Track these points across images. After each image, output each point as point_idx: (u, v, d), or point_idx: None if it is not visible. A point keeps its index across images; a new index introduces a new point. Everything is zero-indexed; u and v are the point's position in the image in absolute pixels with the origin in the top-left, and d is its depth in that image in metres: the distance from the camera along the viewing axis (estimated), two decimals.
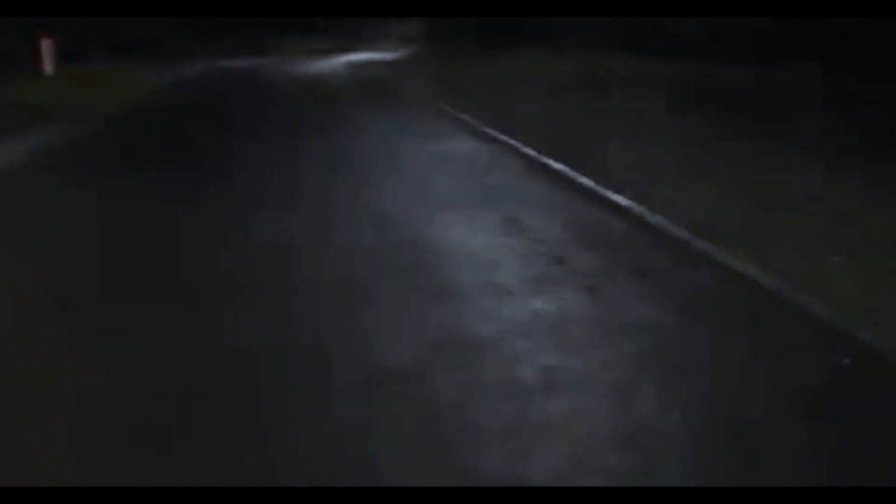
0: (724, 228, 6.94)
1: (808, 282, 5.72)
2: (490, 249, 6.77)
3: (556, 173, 9.72)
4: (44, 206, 8.84)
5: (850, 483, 3.49)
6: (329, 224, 7.81)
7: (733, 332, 5.14)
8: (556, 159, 10.14)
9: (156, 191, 9.34)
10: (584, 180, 9.00)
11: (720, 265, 6.27)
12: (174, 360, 4.80)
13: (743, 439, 3.86)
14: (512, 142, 11.89)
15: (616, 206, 8.03)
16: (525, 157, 10.93)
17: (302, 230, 7.56)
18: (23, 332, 5.31)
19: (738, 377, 4.51)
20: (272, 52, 42.11)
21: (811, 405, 4.19)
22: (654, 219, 7.44)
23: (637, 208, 7.80)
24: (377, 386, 4.43)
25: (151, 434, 3.96)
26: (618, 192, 8.33)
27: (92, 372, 4.65)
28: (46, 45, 25.16)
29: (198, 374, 4.64)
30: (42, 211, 8.61)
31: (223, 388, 4.46)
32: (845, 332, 4.99)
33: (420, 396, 4.32)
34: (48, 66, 24.79)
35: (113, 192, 9.42)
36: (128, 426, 4.04)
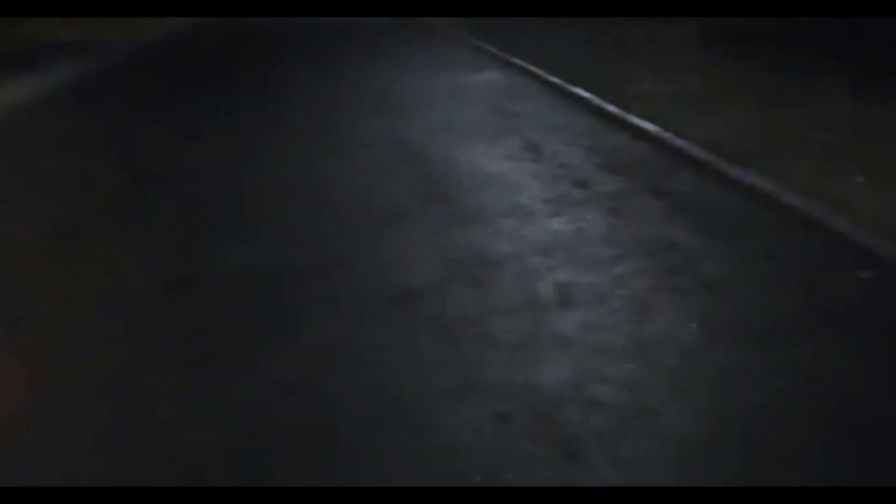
0: (742, 149, 6.83)
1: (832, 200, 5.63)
2: (512, 173, 6.75)
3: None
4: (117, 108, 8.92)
5: (863, 390, 3.48)
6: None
7: (752, 248, 5.08)
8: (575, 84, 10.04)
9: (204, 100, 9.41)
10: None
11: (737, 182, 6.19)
12: None
13: (759, 349, 3.84)
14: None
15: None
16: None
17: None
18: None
19: (757, 291, 4.46)
20: None
21: (830, 315, 4.16)
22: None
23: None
24: (397, 302, 4.46)
25: None
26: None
27: None
28: None
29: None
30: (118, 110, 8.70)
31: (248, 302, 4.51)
32: (867, 247, 4.92)
33: (436, 311, 4.34)
34: None
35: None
36: None
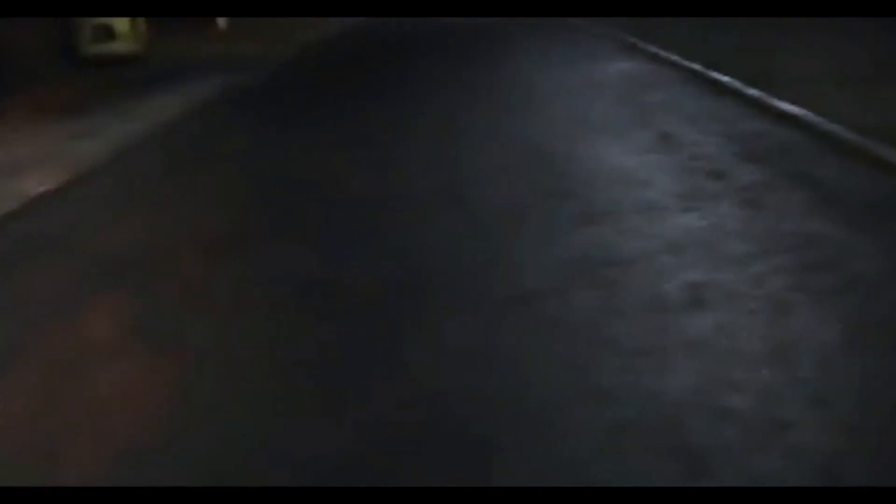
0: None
1: None
2: (643, 167, 6.47)
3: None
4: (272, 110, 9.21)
5: None
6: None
7: None
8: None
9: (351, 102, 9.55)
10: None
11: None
12: None
13: None
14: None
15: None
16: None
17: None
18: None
19: None
20: None
21: None
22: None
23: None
24: (517, 303, 4.31)
25: None
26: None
27: None
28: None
29: None
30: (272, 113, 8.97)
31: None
32: None
33: (558, 312, 4.15)
34: (221, 21, 25.84)
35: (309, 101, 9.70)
36: None
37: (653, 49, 12.65)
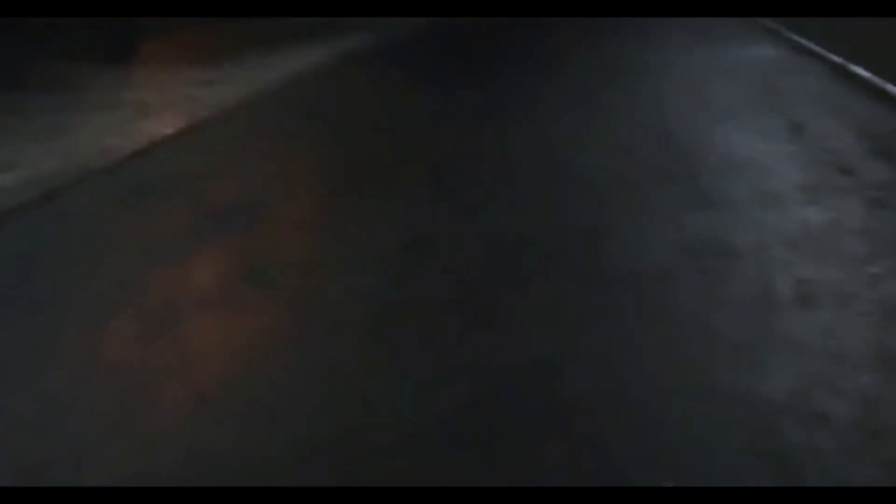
0: None
1: None
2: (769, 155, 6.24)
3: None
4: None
5: None
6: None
7: None
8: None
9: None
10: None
11: None
12: None
13: None
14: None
15: None
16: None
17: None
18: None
19: None
20: None
21: None
22: None
23: None
24: (621, 284, 4.24)
25: None
26: None
27: None
28: None
29: None
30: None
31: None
32: None
33: (658, 298, 4.06)
34: None
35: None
36: None
37: (795, 36, 12.16)
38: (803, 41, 11.66)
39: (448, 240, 4.97)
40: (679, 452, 2.89)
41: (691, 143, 6.85)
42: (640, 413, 3.13)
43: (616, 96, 9.04)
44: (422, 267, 4.65)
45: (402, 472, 2.81)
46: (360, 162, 6.87)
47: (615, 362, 3.51)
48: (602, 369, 3.46)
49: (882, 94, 8.10)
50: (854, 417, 3.04)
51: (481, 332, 3.83)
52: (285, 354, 3.70)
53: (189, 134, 7.84)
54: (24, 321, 4.01)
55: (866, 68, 9.01)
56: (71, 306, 4.17)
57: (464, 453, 2.91)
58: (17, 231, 5.29)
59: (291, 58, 12.02)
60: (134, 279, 4.57)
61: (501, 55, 12.76)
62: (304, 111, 9.14)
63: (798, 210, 5.11)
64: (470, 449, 2.93)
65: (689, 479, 2.75)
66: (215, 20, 17.05)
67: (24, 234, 5.24)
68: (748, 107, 8.00)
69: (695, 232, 4.88)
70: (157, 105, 8.85)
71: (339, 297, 4.26)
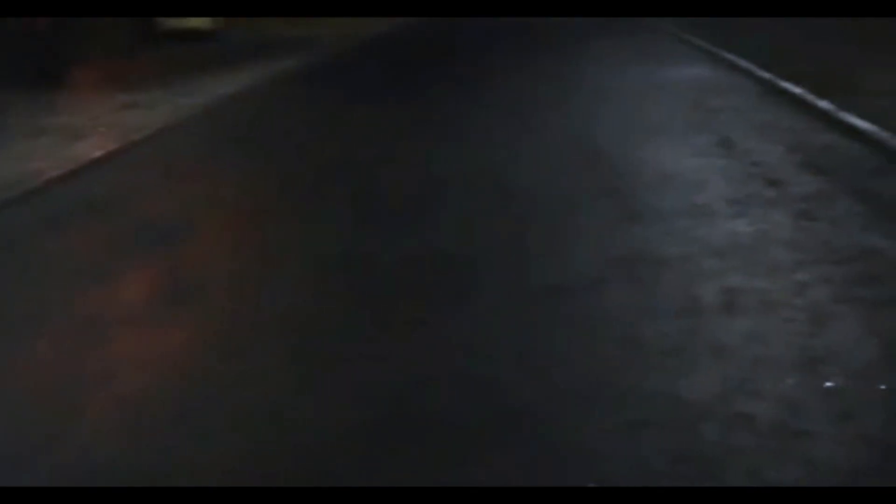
0: None
1: None
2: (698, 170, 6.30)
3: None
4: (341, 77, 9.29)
5: None
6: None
7: None
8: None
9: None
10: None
11: None
12: None
13: None
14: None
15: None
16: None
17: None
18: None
19: None
20: None
21: None
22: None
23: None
24: (550, 295, 4.24)
25: None
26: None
27: None
28: None
29: None
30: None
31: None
32: None
33: (587, 308, 4.06)
34: None
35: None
36: None
37: (725, 55, 12.37)
38: (734, 59, 11.86)
39: (374, 258, 4.95)
40: (601, 456, 2.87)
41: (623, 159, 6.91)
42: (568, 417, 3.11)
43: (548, 114, 9.10)
44: (346, 285, 4.61)
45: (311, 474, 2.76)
46: (286, 182, 6.85)
47: (544, 370, 3.50)
48: (530, 377, 3.43)
49: (810, 110, 8.24)
50: (776, 419, 3.04)
51: (408, 346, 3.80)
52: (205, 369, 3.64)
53: (116, 157, 7.73)
54: None
55: (795, 85, 9.17)
56: None
57: (387, 459, 2.87)
58: None
59: (222, 81, 11.93)
60: (56, 298, 4.50)
61: (434, 73, 12.79)
62: (232, 134, 9.09)
63: (726, 222, 5.15)
64: (390, 457, 2.89)
65: (612, 480, 2.72)
66: (146, 46, 16.92)
67: None
68: (680, 124, 8.10)
69: (625, 245, 4.90)
70: (85, 129, 8.71)
71: (261, 315, 4.21)
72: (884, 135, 6.86)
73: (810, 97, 8.57)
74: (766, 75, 10.22)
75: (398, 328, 3.98)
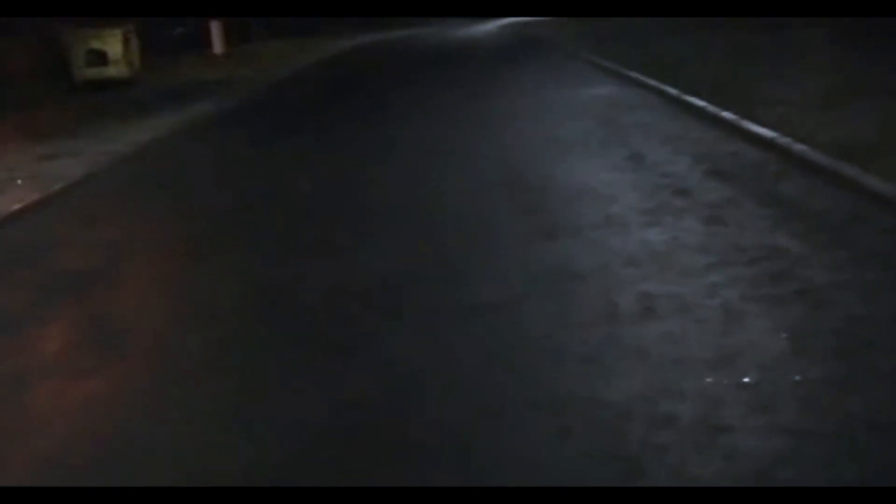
0: (865, 151, 6.32)
1: None
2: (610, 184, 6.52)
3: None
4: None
5: None
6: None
7: (863, 254, 4.67)
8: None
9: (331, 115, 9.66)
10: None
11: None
12: None
13: (854, 363, 3.50)
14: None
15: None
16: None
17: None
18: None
19: (862, 301, 4.08)
20: (432, 22, 42.18)
21: None
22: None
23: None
24: (473, 313, 4.34)
25: None
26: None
27: None
28: (217, 27, 26.38)
29: None
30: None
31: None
32: None
33: (510, 323, 4.19)
34: (217, 46, 26.04)
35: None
36: None
37: (630, 73, 12.74)
38: (639, 76, 12.21)
39: (301, 288, 5.02)
40: (526, 460, 2.99)
41: (539, 177, 7.08)
42: (492, 426, 3.22)
43: (464, 139, 9.27)
44: (274, 316, 4.69)
45: None
46: (208, 222, 6.87)
47: (468, 386, 3.61)
48: (455, 394, 3.54)
49: (715, 121, 8.56)
50: (697, 416, 3.19)
51: (341, 366, 3.89)
52: (124, 416, 3.67)
53: (36, 209, 7.64)
54: None
55: (700, 98, 9.51)
56: None
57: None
58: None
59: (140, 128, 11.87)
60: None
61: (354, 104, 12.91)
62: (151, 179, 9.08)
63: (639, 232, 5.33)
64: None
65: (539, 481, 2.84)
66: (63, 96, 16.72)
67: None
68: (591, 141, 8.32)
69: (543, 260, 5.04)
70: (2, 182, 8.58)
71: (185, 359, 4.26)
72: (783, 140, 7.19)
73: (713, 109, 8.92)
74: (671, 90, 10.57)
75: (326, 355, 4.05)
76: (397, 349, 4.02)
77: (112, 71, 18.06)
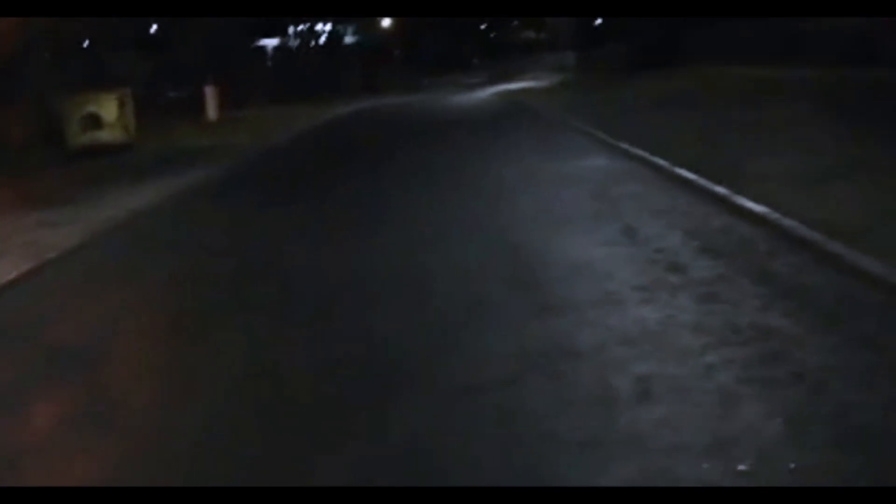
0: (857, 230, 6.39)
1: None
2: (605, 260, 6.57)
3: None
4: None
5: None
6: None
7: (857, 336, 4.69)
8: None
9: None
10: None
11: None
12: None
13: (850, 450, 3.50)
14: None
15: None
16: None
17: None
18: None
19: (857, 385, 4.09)
20: (426, 90, 42.83)
21: None
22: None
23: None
24: (468, 393, 4.35)
25: None
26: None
27: None
28: (210, 93, 26.67)
29: None
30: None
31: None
32: None
33: (505, 404, 4.19)
34: (211, 112, 26.28)
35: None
36: None
37: (621, 144, 12.88)
38: (629, 148, 12.34)
39: (292, 367, 5.03)
40: None
41: (534, 252, 7.12)
42: None
43: (457, 212, 9.34)
44: (264, 397, 4.68)
45: None
46: (202, 292, 6.88)
47: (463, 471, 3.59)
48: (451, 479, 3.52)
49: (706, 194, 8.64)
50: None
51: (328, 455, 3.86)
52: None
53: (31, 277, 7.65)
54: None
55: (689, 170, 9.61)
56: None
57: None
58: None
59: (133, 195, 11.95)
60: None
61: (345, 176, 13.01)
62: (146, 247, 9.10)
63: (635, 310, 5.36)
64: None
65: None
66: (58, 163, 16.84)
67: None
68: (584, 214, 8.38)
69: (538, 337, 5.06)
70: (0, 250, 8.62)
71: (180, 437, 4.24)
72: (774, 215, 7.26)
73: (703, 182, 9.01)
74: (662, 162, 10.68)
75: (319, 443, 4.03)
76: (387, 439, 4.00)
77: (107, 135, 18.21)
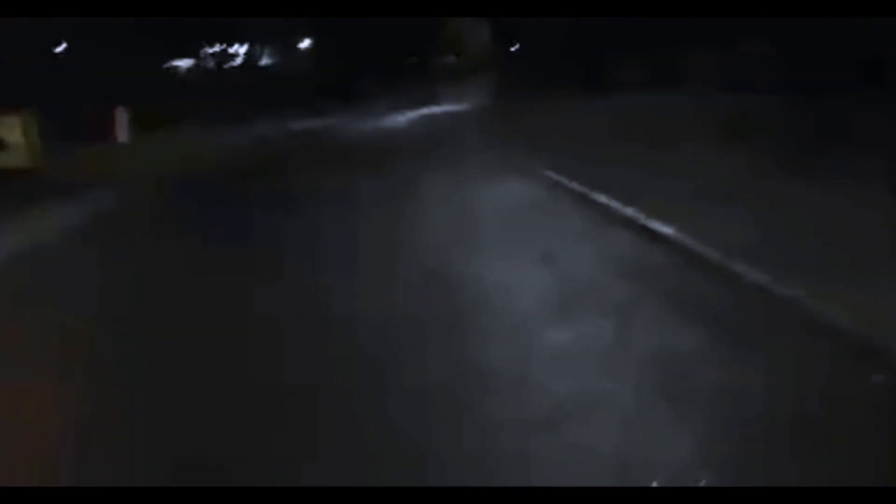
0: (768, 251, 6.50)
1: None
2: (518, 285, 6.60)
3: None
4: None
5: None
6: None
7: (764, 354, 4.77)
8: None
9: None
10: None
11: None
12: None
13: (757, 466, 3.55)
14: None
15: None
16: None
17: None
18: None
19: (763, 401, 4.16)
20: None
21: None
22: None
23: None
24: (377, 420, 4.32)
25: None
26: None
27: None
28: (121, 116, 26.07)
29: None
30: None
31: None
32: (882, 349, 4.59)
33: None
34: (122, 135, 25.69)
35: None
36: None
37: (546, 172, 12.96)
38: (548, 173, 12.40)
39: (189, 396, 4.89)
40: None
41: (443, 279, 7.05)
42: None
43: (357, 234, 9.30)
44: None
45: None
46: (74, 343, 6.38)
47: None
48: None
49: (620, 218, 8.73)
50: None
51: None
52: None
53: None
54: None
55: (605, 194, 9.69)
56: None
57: None
58: None
59: (26, 227, 11.61)
60: None
61: (255, 199, 12.76)
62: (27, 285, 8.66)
63: (545, 333, 5.40)
64: None
65: None
66: None
67: None
68: (502, 240, 8.38)
69: (446, 365, 5.06)
70: None
71: None
72: (685, 238, 7.36)
73: (618, 205, 9.11)
74: (579, 188, 10.75)
75: None
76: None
77: (11, 159, 17.62)
